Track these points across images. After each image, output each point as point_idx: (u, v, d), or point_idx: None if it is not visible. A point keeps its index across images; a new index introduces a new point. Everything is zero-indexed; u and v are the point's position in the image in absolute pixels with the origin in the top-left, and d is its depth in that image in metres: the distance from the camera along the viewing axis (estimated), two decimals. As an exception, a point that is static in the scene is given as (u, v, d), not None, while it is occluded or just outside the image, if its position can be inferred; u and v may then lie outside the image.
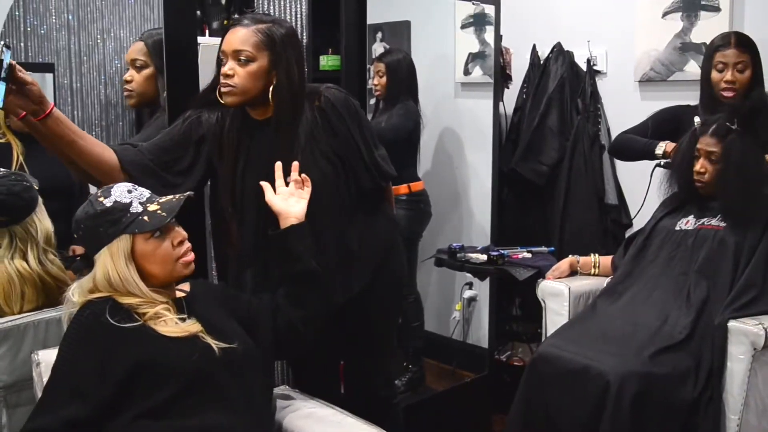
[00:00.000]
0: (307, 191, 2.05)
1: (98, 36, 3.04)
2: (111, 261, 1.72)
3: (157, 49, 2.54)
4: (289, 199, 2.03)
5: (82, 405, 1.61)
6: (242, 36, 2.07)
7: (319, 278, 2.01)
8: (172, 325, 1.73)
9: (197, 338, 1.74)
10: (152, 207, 1.77)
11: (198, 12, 2.82)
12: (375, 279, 2.36)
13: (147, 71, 2.69)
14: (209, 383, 1.71)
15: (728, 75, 2.84)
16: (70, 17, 2.97)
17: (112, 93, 3.09)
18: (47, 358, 1.80)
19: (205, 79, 2.35)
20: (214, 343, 1.73)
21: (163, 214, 1.77)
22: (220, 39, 2.16)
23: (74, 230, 1.77)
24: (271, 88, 2.10)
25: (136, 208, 1.75)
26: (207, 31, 2.97)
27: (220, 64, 2.14)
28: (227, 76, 2.07)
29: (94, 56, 3.04)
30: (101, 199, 1.75)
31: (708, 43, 3.02)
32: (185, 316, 1.78)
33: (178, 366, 1.68)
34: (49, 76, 2.91)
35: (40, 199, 2.21)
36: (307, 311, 1.98)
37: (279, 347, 1.95)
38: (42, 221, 2.18)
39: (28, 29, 2.87)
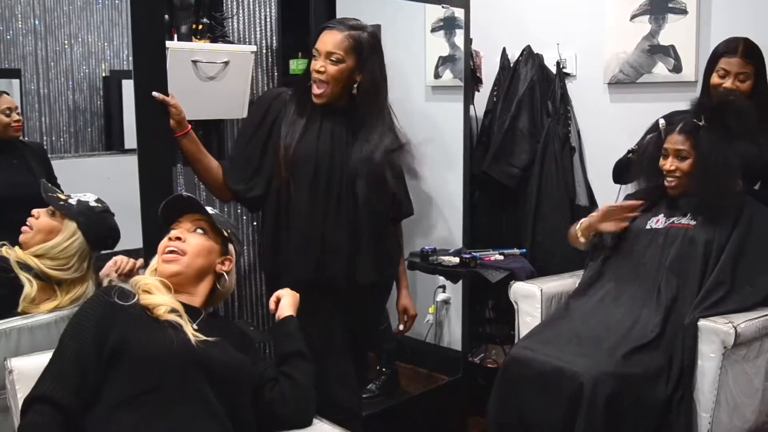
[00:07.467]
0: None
1: (65, 41, 3.01)
2: None
3: None
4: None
5: (76, 371, 1.69)
6: (337, 39, 2.31)
7: (308, 359, 2.02)
8: (157, 297, 1.83)
9: (180, 332, 1.78)
10: None
11: (166, 16, 2.79)
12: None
13: None
14: (186, 381, 1.73)
15: (728, 83, 2.79)
16: (37, 22, 2.93)
17: (80, 99, 3.05)
18: (20, 365, 1.81)
19: (173, 83, 2.33)
20: (192, 334, 1.78)
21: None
22: (188, 43, 2.15)
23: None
24: (355, 86, 2.36)
25: None
26: (175, 36, 2.94)
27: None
28: (319, 72, 2.32)
29: (61, 61, 3.01)
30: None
31: (675, 45, 3.01)
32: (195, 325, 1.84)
33: (154, 350, 1.73)
34: (15, 82, 2.87)
35: None
36: (298, 389, 1.96)
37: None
38: None
39: (-6, 34, 2.83)
